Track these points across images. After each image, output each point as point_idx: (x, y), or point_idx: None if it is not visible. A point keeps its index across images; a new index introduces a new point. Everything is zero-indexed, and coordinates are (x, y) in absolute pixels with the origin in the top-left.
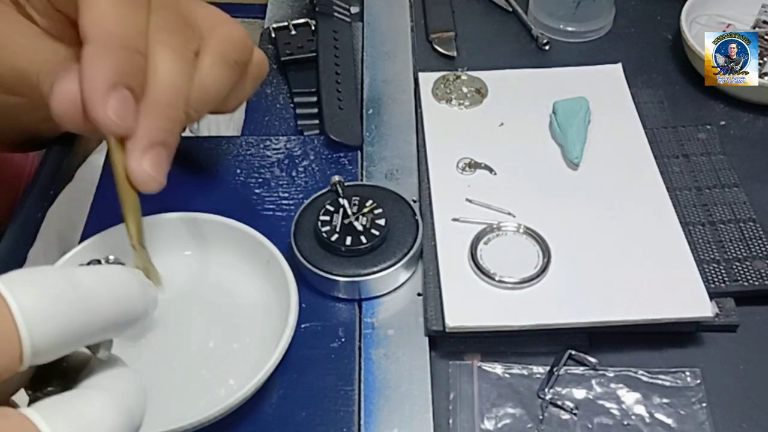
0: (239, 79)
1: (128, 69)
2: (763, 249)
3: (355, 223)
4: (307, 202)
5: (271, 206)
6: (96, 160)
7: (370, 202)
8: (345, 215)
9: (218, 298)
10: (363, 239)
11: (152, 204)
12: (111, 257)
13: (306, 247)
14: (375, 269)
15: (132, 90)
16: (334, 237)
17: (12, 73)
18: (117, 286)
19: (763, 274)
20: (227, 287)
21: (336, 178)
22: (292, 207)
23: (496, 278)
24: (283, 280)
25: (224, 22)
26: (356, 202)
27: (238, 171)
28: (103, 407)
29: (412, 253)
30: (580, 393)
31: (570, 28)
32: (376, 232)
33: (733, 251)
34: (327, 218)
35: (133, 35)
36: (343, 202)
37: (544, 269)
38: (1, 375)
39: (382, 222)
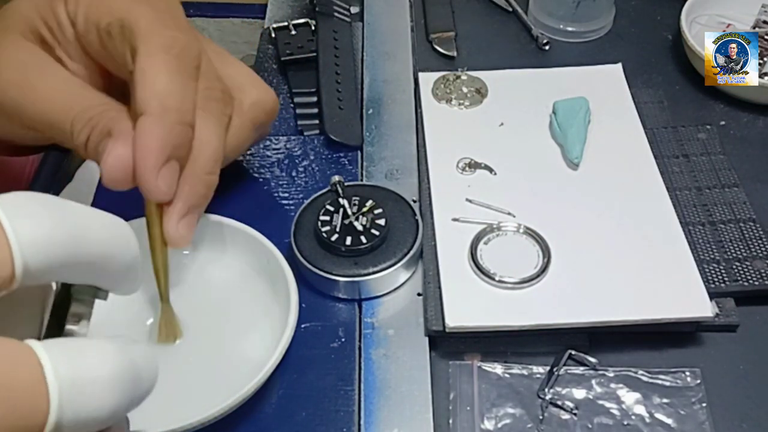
0: (260, 137)
1: (179, 142)
2: (763, 249)
3: (355, 223)
4: (307, 202)
5: (271, 206)
6: None
7: (370, 202)
8: (345, 215)
9: (218, 298)
10: (363, 239)
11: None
12: None
13: (306, 247)
14: (375, 269)
15: (179, 160)
16: (334, 237)
17: (42, 117)
18: (108, 221)
19: (763, 274)
20: (227, 287)
21: (336, 178)
22: (292, 207)
23: (496, 278)
24: (283, 280)
25: (254, 84)
26: (356, 202)
27: (238, 171)
28: (106, 354)
29: (412, 253)
30: (580, 393)
31: (570, 28)
32: (376, 232)
33: (733, 251)
34: (327, 218)
35: (186, 109)
36: (343, 202)
37: (544, 269)
38: None
39: (382, 222)
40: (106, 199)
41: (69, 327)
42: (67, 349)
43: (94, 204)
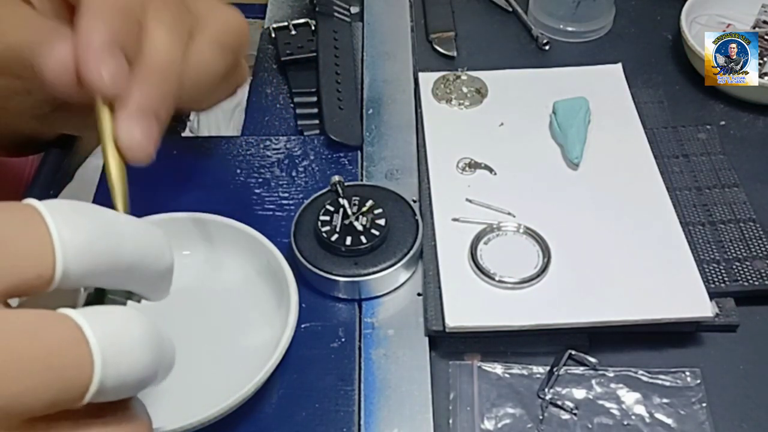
0: (232, 69)
1: (123, 33)
2: (763, 249)
3: (355, 223)
4: (307, 202)
5: (271, 206)
6: (96, 161)
7: (370, 202)
8: (345, 215)
9: (217, 298)
10: (363, 239)
11: (152, 203)
12: None
13: (306, 247)
14: (375, 269)
15: (126, 55)
16: (334, 237)
17: (6, 51)
18: (144, 229)
19: (763, 274)
20: (227, 288)
21: (336, 178)
22: (292, 207)
23: (496, 278)
24: (284, 280)
25: (223, 8)
26: (356, 202)
27: (238, 171)
28: (132, 317)
29: (412, 253)
30: (580, 393)
31: (570, 28)
32: (376, 232)
33: (733, 251)
34: (327, 218)
35: (130, 2)
36: (343, 202)
37: (544, 269)
38: (30, 289)
39: (382, 222)
40: (106, 199)
41: None
42: (100, 313)
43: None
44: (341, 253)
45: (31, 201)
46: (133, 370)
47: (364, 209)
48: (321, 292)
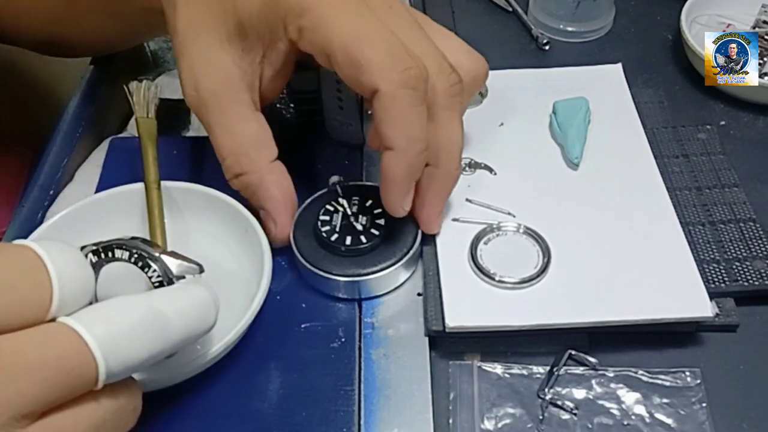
0: None
1: (420, 168)
2: (763, 249)
3: (355, 223)
4: (307, 202)
5: None
6: (96, 160)
7: (370, 202)
8: (345, 215)
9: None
10: (363, 239)
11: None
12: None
13: (306, 247)
14: (375, 269)
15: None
16: (334, 237)
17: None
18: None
19: (763, 274)
20: (206, 256)
21: (335, 178)
22: None
23: (496, 278)
24: (259, 249)
25: (469, 57)
26: (356, 202)
27: None
28: (124, 306)
29: (411, 252)
30: (580, 393)
31: (570, 28)
32: (376, 232)
33: (733, 251)
34: (327, 218)
35: (424, 137)
36: (343, 202)
37: (544, 269)
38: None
39: (381, 222)
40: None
41: None
42: (93, 312)
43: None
44: (341, 253)
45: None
46: (134, 356)
47: (364, 209)
48: (321, 292)
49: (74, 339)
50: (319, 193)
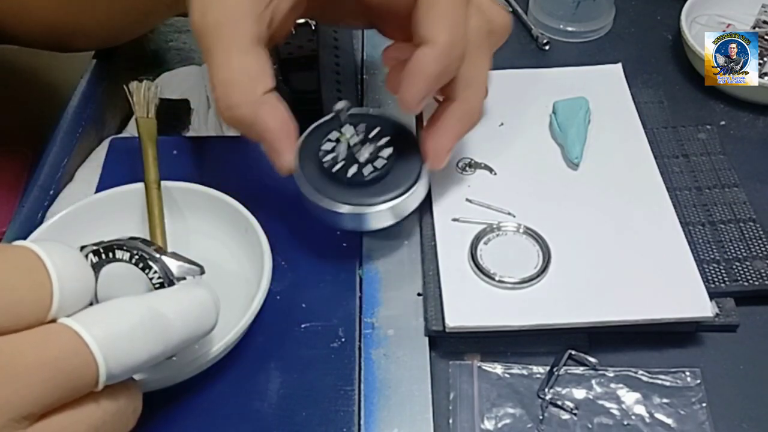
0: None
1: (450, 74)
2: (763, 249)
3: (360, 153)
4: (310, 129)
5: (271, 206)
6: (96, 160)
7: (377, 129)
8: (349, 144)
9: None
10: (369, 169)
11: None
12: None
13: (310, 176)
14: (380, 199)
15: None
16: (338, 167)
17: None
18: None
19: (763, 274)
20: (206, 256)
21: (341, 104)
22: (293, 207)
23: (496, 278)
24: (259, 249)
25: (495, 7)
26: (362, 131)
27: (238, 171)
28: (123, 308)
29: (417, 185)
30: (580, 393)
31: (570, 28)
32: (383, 162)
33: (733, 251)
34: (330, 147)
35: (464, 43)
36: (346, 130)
37: (544, 269)
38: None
39: (388, 152)
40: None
41: None
42: (93, 313)
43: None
44: (344, 183)
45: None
46: (135, 357)
47: (369, 138)
48: (321, 293)
49: (74, 340)
50: (322, 120)
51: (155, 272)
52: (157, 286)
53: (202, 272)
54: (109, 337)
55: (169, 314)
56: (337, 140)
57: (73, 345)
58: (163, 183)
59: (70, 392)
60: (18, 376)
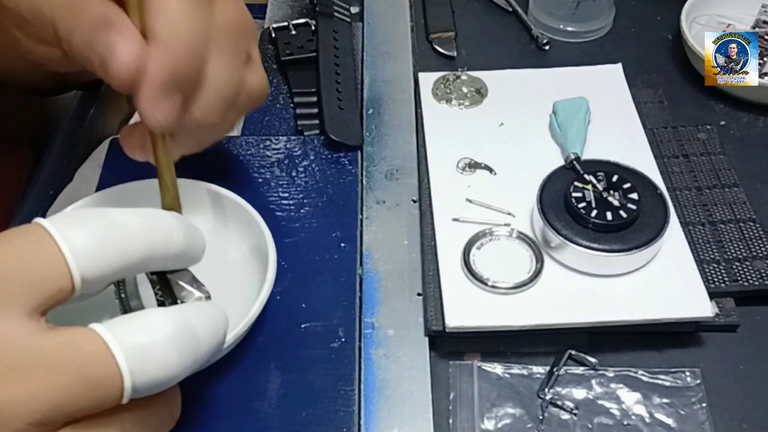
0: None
1: (185, 75)
2: (763, 249)
3: (610, 199)
4: (544, 178)
5: (271, 206)
6: (96, 160)
7: (616, 176)
8: (596, 190)
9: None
10: (622, 214)
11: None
12: None
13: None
14: (637, 243)
15: (184, 93)
16: (594, 212)
17: (31, 12)
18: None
19: (763, 274)
20: (209, 250)
21: (572, 155)
22: (292, 207)
23: (489, 283)
24: (263, 241)
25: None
26: (601, 178)
27: (238, 171)
28: (157, 319)
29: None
30: (580, 393)
31: (570, 28)
32: (633, 207)
33: (733, 251)
34: (579, 194)
35: (199, 40)
36: (590, 177)
37: (537, 273)
38: (57, 300)
39: (634, 196)
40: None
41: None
42: (125, 323)
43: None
44: (598, 229)
45: (39, 221)
46: (163, 372)
47: (612, 183)
48: (321, 293)
49: (101, 349)
50: (552, 170)
51: (160, 289)
52: (159, 303)
53: (208, 298)
54: (140, 348)
55: (198, 328)
56: (583, 188)
57: (101, 353)
58: (207, 186)
59: (93, 402)
60: (39, 378)
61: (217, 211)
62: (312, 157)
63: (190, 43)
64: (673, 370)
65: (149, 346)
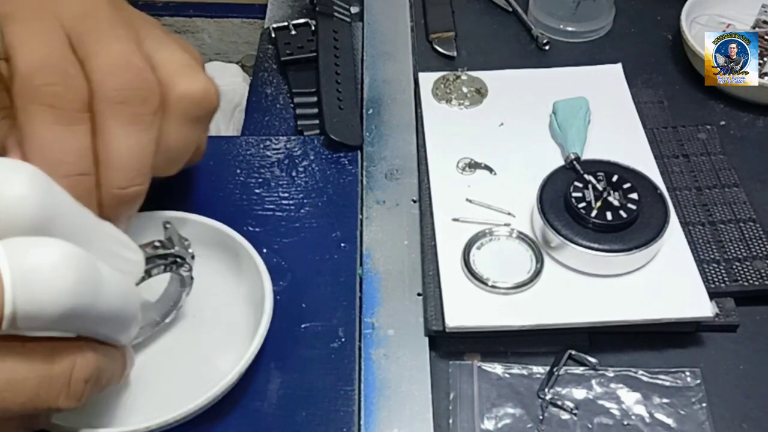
0: (202, 137)
1: (74, 193)
2: (763, 249)
3: (610, 199)
4: (544, 178)
5: (271, 206)
6: None
7: (615, 176)
8: (596, 190)
9: (196, 296)
10: (622, 214)
11: (152, 203)
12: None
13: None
14: (638, 243)
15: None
16: (594, 213)
17: None
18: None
19: (763, 274)
20: (202, 285)
21: (572, 155)
22: (292, 207)
23: (489, 283)
24: (255, 270)
25: (183, 73)
26: (601, 178)
27: (238, 171)
28: (58, 244)
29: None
30: (580, 393)
31: (570, 28)
32: (633, 207)
33: (733, 251)
34: (579, 194)
35: (75, 159)
36: (589, 178)
37: (537, 273)
38: None
39: (634, 196)
40: None
41: None
42: (23, 242)
43: None
44: (598, 229)
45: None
46: (49, 298)
47: (612, 184)
48: (320, 294)
49: None
50: (552, 170)
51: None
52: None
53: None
54: (29, 273)
55: (105, 274)
56: (583, 188)
57: None
58: (153, 213)
59: None
60: None
61: (202, 243)
62: (312, 157)
63: (63, 163)
64: (673, 370)
65: (43, 272)
